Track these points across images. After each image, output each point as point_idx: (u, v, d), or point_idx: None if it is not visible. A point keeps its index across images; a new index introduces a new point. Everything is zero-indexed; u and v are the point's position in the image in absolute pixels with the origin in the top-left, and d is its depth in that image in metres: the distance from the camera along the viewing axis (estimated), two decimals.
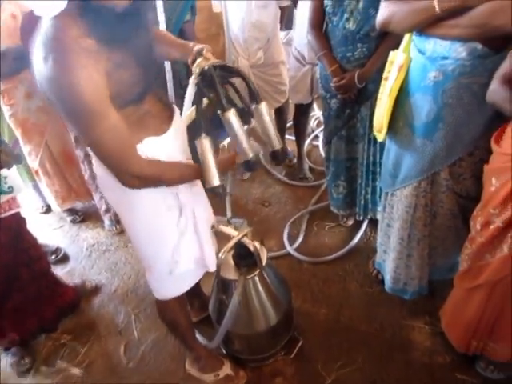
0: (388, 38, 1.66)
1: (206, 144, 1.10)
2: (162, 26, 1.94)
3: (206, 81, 1.12)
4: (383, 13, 1.32)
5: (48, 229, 2.62)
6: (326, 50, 1.81)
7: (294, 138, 2.93)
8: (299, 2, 2.26)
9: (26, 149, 2.28)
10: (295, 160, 2.95)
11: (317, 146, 3.13)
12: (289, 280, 2.00)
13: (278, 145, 1.21)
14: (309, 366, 1.70)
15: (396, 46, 1.49)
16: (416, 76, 1.34)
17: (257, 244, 1.60)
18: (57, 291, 1.83)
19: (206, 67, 1.11)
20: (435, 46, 1.24)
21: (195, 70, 1.13)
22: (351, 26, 1.68)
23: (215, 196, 1.20)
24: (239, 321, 1.55)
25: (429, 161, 1.42)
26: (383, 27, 1.34)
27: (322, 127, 3.30)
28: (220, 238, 1.57)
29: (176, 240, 1.29)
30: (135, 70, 1.01)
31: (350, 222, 2.35)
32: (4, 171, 1.43)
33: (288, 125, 3.02)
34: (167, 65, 1.96)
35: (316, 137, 3.24)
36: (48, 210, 2.72)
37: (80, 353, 1.86)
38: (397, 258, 1.71)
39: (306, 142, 2.98)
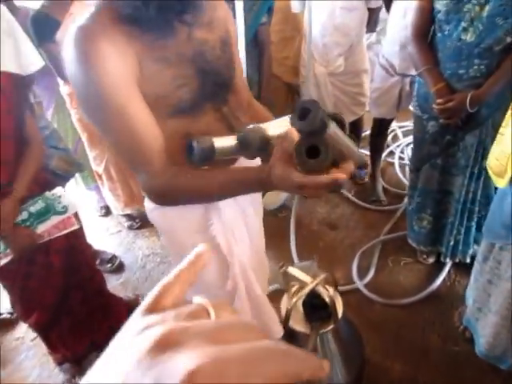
0: None
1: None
2: (240, 28, 1.75)
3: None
4: None
5: (105, 233, 2.56)
6: (430, 64, 1.52)
7: (367, 153, 2.65)
8: (394, 2, 1.97)
9: (91, 154, 2.25)
10: (367, 178, 2.67)
11: (392, 164, 2.83)
12: (357, 323, 1.76)
13: (362, 158, 1.00)
14: None
15: None
16: None
17: (331, 290, 1.38)
18: (110, 310, 1.72)
19: None
20: None
21: None
22: (469, 37, 1.38)
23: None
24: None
25: None
26: None
27: (399, 142, 3.01)
28: (287, 279, 1.37)
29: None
30: (185, 72, 0.83)
31: (431, 260, 2.05)
32: (58, 190, 1.31)
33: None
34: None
35: (391, 153, 2.93)
36: (107, 212, 2.67)
37: None
38: (500, 325, 1.41)
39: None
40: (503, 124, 1.23)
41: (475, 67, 1.42)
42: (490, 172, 1.28)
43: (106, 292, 1.76)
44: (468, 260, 1.86)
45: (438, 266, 2.02)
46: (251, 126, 0.84)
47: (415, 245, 2.02)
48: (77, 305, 1.53)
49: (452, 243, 1.83)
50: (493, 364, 1.53)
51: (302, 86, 2.32)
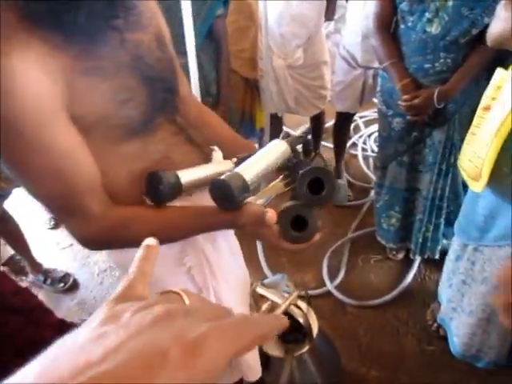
0: (483, 48, 1.28)
1: None
2: (187, 22, 1.58)
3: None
4: (503, 26, 0.95)
5: (56, 248, 2.33)
6: (395, 58, 1.44)
7: (331, 146, 2.58)
8: None
9: None
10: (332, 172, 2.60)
11: (355, 156, 2.77)
12: (331, 330, 1.69)
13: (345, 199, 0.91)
14: None
15: (495, 61, 1.12)
16: None
17: (304, 307, 1.29)
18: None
19: None
20: None
21: None
22: (434, 29, 1.30)
23: None
24: None
25: None
26: (500, 44, 0.97)
27: (361, 133, 2.96)
28: (257, 299, 1.26)
29: None
30: (126, 82, 0.67)
31: (400, 256, 2.01)
32: None
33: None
34: (193, 74, 1.58)
35: (354, 144, 2.87)
36: (56, 224, 2.43)
37: None
38: (475, 325, 1.38)
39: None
40: (474, 123, 1.16)
41: (441, 61, 1.35)
42: (463, 175, 1.21)
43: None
44: (437, 256, 1.83)
45: (408, 262, 1.99)
46: (228, 173, 0.68)
47: (384, 242, 1.98)
48: None
49: (421, 240, 1.79)
50: (469, 363, 1.51)
51: (261, 81, 2.19)
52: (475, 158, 1.14)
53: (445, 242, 1.81)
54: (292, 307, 1.19)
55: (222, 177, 0.66)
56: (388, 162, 1.70)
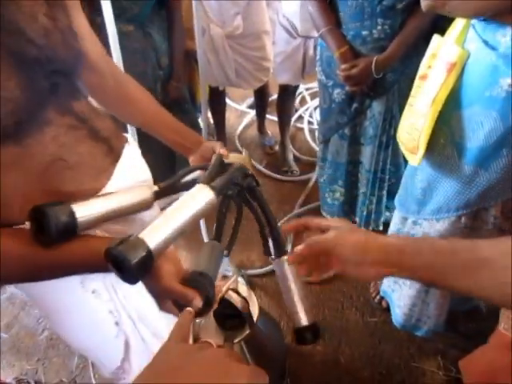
0: (420, 14, 1.23)
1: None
2: None
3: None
4: None
5: None
6: (331, 25, 1.36)
7: (276, 119, 2.50)
8: None
9: None
10: (277, 147, 2.53)
11: (301, 130, 2.72)
12: (276, 307, 1.66)
13: (304, 321, 0.80)
14: None
15: (432, 27, 1.08)
16: (478, 81, 0.94)
17: (244, 290, 1.23)
18: None
19: None
20: None
21: None
22: None
23: None
24: None
25: (478, 194, 1.06)
26: (434, 8, 0.91)
27: (307, 105, 2.90)
28: None
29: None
30: None
31: None
32: None
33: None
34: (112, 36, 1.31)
35: (300, 117, 2.81)
36: None
37: None
38: (415, 296, 1.39)
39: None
40: (412, 93, 1.12)
41: (379, 27, 1.29)
42: (401, 148, 1.18)
43: None
44: (381, 228, 1.84)
45: None
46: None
47: (329, 217, 1.96)
48: None
49: (365, 213, 1.79)
50: (409, 332, 1.54)
51: (199, 51, 2.04)
52: (413, 129, 1.11)
53: (388, 214, 1.82)
54: (230, 293, 1.12)
55: (118, 246, 0.50)
56: (330, 135, 1.65)
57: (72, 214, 0.56)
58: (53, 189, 0.62)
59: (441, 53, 1.01)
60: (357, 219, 1.86)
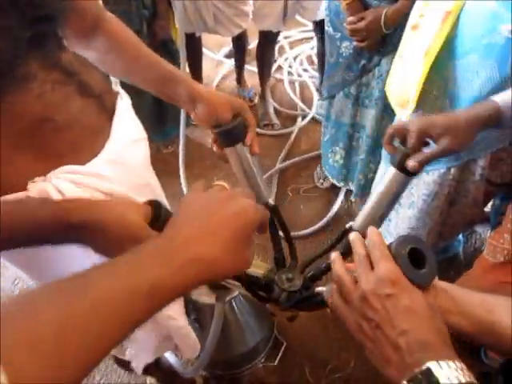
0: None
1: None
2: None
3: None
4: None
5: None
6: None
7: (255, 69, 2.40)
8: None
9: None
10: (257, 99, 2.45)
11: (281, 81, 2.62)
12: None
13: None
14: (294, 373, 1.46)
15: None
16: (475, 28, 0.90)
17: None
18: None
19: None
20: None
21: None
22: None
23: None
24: (217, 346, 1.22)
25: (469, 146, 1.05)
26: None
27: (286, 55, 2.78)
28: None
29: None
30: None
31: (327, 184, 2.01)
32: None
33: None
34: None
35: (279, 68, 2.71)
36: None
37: None
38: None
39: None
40: (402, 43, 1.07)
41: None
42: (390, 102, 1.15)
43: None
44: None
45: (335, 190, 1.99)
46: None
47: (330, 177, 1.93)
48: None
49: (363, 182, 1.75)
50: None
51: None
52: (403, 82, 1.08)
53: None
54: None
55: None
56: (334, 92, 1.59)
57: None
58: (44, 153, 0.57)
59: (434, 1, 0.95)
60: (353, 187, 1.83)
